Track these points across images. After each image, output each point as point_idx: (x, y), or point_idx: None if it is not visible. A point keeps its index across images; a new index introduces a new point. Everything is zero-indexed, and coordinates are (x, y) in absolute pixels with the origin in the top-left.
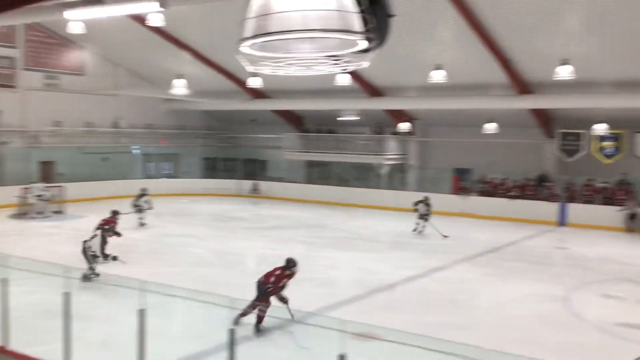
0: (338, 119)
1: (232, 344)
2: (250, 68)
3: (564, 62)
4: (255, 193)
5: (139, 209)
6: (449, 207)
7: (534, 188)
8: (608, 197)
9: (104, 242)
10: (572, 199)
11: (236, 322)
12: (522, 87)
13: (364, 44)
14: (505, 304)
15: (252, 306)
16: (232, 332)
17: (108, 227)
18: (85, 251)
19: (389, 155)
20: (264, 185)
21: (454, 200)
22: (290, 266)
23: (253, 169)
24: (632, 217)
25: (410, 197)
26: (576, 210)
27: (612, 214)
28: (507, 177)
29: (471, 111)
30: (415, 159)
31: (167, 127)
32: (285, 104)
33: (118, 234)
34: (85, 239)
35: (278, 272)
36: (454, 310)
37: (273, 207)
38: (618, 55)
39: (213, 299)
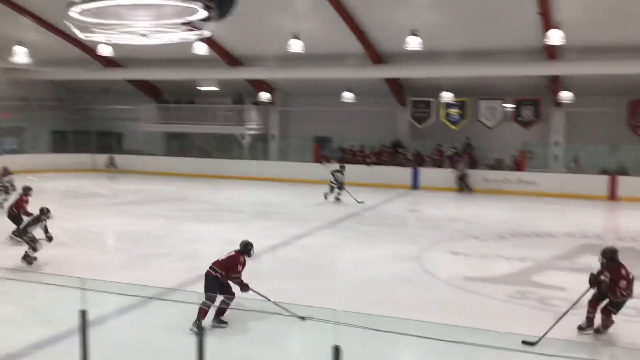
0: (197, 88)
1: (84, 326)
2: (81, 35)
3: (413, 33)
4: (111, 167)
5: (4, 189)
6: (311, 175)
7: (389, 154)
8: (455, 161)
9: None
10: (422, 163)
11: (198, 327)
12: (377, 57)
13: (203, 13)
14: (364, 267)
15: (211, 300)
16: (83, 314)
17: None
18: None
19: (251, 125)
20: (120, 159)
21: (316, 168)
22: (248, 250)
23: (108, 142)
24: (461, 178)
25: (272, 166)
26: (427, 174)
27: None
28: (364, 145)
29: (329, 80)
30: (276, 128)
31: (9, 98)
32: (140, 73)
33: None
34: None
35: (231, 255)
36: (316, 275)
37: (131, 182)
38: (462, 26)
39: (62, 280)
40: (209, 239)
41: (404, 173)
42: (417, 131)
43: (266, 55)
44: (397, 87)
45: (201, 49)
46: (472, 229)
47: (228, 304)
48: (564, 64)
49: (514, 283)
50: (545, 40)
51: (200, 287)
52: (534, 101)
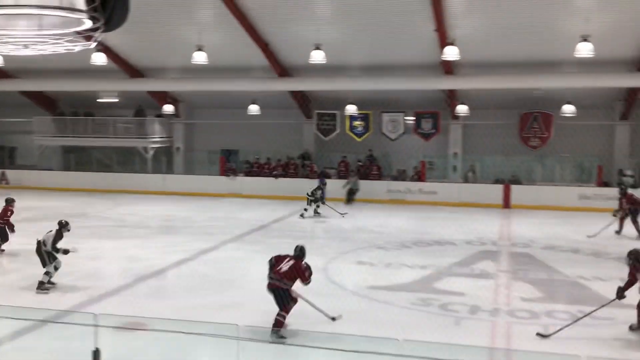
0: (97, 100)
1: None
2: None
3: (317, 47)
4: (2, 183)
5: None
6: (218, 188)
7: (296, 166)
8: (362, 172)
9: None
10: (329, 175)
11: (280, 336)
12: (281, 70)
13: (89, 23)
14: None
15: (287, 310)
16: None
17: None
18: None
19: (154, 138)
20: (12, 174)
21: (222, 182)
22: (304, 252)
23: None
24: (352, 192)
25: (177, 180)
26: (333, 185)
27: (363, 187)
28: (271, 157)
29: (235, 93)
30: (181, 141)
31: None
32: (34, 84)
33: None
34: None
35: (290, 262)
36: (223, 290)
37: (25, 198)
38: (364, 41)
39: None
40: (110, 257)
41: (310, 185)
42: (323, 143)
43: (169, 67)
44: (302, 99)
45: (100, 59)
46: (377, 239)
47: (284, 317)
48: (460, 79)
49: (416, 290)
50: (442, 56)
51: (101, 306)
52: (433, 114)
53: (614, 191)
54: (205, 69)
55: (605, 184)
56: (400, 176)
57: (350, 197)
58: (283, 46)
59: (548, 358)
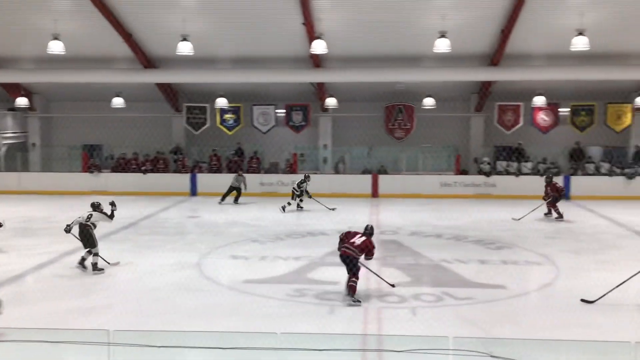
0: None
1: None
2: None
3: (184, 38)
4: None
5: None
6: (80, 186)
7: (166, 161)
8: (232, 166)
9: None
10: (199, 169)
11: (355, 300)
12: (147, 61)
13: None
14: (143, 278)
15: (357, 276)
16: None
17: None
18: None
19: (6, 133)
20: None
21: (86, 178)
22: (373, 231)
23: None
24: (237, 189)
25: (34, 178)
26: (205, 179)
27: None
28: (138, 152)
29: (96, 85)
30: (37, 136)
31: None
32: None
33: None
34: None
35: (362, 238)
36: (89, 293)
37: None
38: (233, 33)
39: None
40: None
41: (182, 179)
42: (194, 137)
43: (22, 57)
44: (170, 92)
45: None
46: (251, 233)
47: (356, 282)
48: (328, 72)
49: (291, 282)
50: (310, 49)
51: None
52: (303, 107)
53: (472, 178)
54: (63, 59)
55: (464, 172)
56: (273, 169)
57: (235, 195)
58: (148, 37)
59: (417, 340)
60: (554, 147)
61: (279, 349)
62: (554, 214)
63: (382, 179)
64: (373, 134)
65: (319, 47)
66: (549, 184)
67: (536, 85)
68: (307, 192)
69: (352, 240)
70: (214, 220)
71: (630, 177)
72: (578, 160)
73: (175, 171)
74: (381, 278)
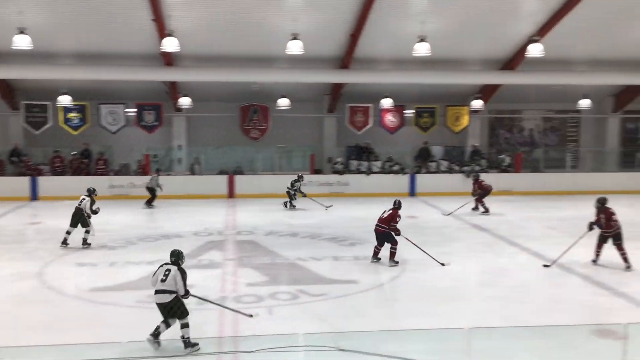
0: None
1: None
2: None
3: (21, 31)
4: None
5: None
6: None
7: (2, 163)
8: (76, 168)
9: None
10: (39, 172)
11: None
12: None
13: None
14: None
15: (396, 244)
16: None
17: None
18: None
19: None
20: None
21: None
22: (400, 204)
23: None
24: (152, 191)
25: None
26: (47, 182)
27: (74, 183)
28: None
29: None
30: None
31: None
32: None
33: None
34: None
35: (391, 211)
36: None
37: None
38: (77, 27)
39: None
40: None
41: (20, 183)
42: (34, 137)
43: None
44: (6, 89)
45: None
46: (99, 238)
47: (395, 249)
48: (180, 71)
49: (143, 288)
50: (161, 47)
51: None
52: (155, 106)
53: (326, 177)
54: None
55: (318, 171)
56: (123, 170)
57: (152, 196)
58: None
59: (271, 339)
60: (401, 147)
61: (126, 359)
62: (481, 209)
63: (239, 179)
64: (229, 134)
65: (170, 44)
66: (476, 181)
67: (384, 88)
68: (301, 191)
69: (381, 216)
70: (57, 226)
71: (468, 174)
72: (425, 159)
73: (14, 174)
74: (428, 254)
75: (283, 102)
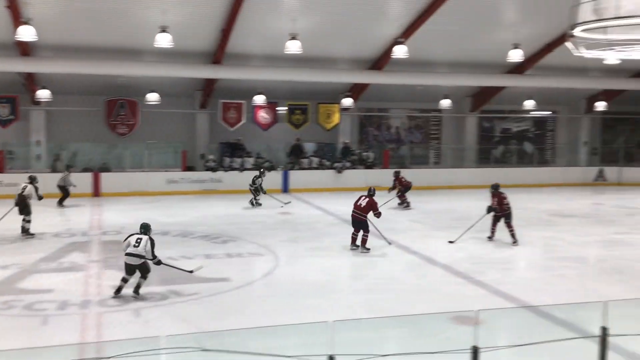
0: None
1: None
2: None
3: None
4: None
5: None
6: None
7: None
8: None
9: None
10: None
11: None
12: None
13: None
14: None
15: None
16: None
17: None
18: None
19: None
20: None
21: None
22: (374, 192)
23: None
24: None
25: None
26: None
27: None
28: None
29: None
30: None
31: None
32: None
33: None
34: None
35: (368, 200)
36: None
37: None
38: None
39: None
40: None
41: None
42: None
43: None
44: None
45: None
46: None
47: (367, 236)
48: (38, 61)
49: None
50: (16, 35)
51: None
52: (10, 99)
53: (199, 174)
54: None
55: (190, 168)
56: None
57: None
58: None
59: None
60: (274, 143)
61: None
62: (404, 204)
63: (105, 177)
64: (94, 130)
65: (26, 33)
66: (397, 178)
67: (256, 85)
68: (261, 187)
69: (358, 204)
70: None
71: (339, 170)
72: (298, 155)
73: None
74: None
75: (152, 97)
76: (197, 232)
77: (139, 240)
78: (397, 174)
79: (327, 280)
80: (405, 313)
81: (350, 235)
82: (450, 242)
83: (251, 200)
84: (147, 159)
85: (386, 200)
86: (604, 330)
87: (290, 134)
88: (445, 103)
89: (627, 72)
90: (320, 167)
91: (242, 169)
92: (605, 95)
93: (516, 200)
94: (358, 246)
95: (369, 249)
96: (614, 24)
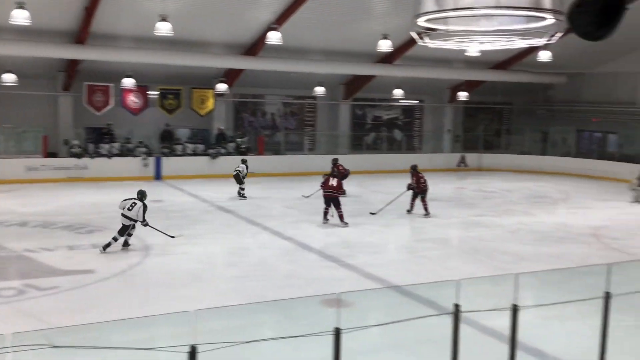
0: None
1: None
2: None
3: None
4: None
5: None
6: None
7: None
8: None
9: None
10: None
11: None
12: None
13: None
14: None
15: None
16: None
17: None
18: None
19: None
20: None
21: None
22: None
23: None
24: None
25: None
26: None
27: None
28: None
29: None
30: None
31: None
32: None
33: None
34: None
35: (335, 182)
36: None
37: None
38: None
39: None
40: None
41: None
42: None
43: None
44: None
45: None
46: None
47: (342, 210)
48: None
49: None
50: None
51: None
52: None
53: (62, 161)
54: None
55: (53, 155)
56: None
57: None
58: None
59: None
60: (146, 129)
61: None
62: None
63: None
64: None
65: None
66: (335, 165)
67: (125, 67)
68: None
69: (330, 184)
70: None
71: (214, 157)
72: (168, 141)
73: None
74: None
75: (9, 78)
76: (60, 222)
77: (133, 205)
78: (335, 161)
79: (200, 268)
80: (277, 298)
81: (224, 224)
82: (372, 213)
83: (242, 188)
84: (3, 145)
85: (316, 190)
86: (457, 307)
87: (163, 119)
88: (320, 90)
89: (487, 64)
90: (195, 154)
91: (110, 155)
92: (467, 85)
93: (387, 186)
94: (328, 220)
95: (347, 223)
96: (452, 15)
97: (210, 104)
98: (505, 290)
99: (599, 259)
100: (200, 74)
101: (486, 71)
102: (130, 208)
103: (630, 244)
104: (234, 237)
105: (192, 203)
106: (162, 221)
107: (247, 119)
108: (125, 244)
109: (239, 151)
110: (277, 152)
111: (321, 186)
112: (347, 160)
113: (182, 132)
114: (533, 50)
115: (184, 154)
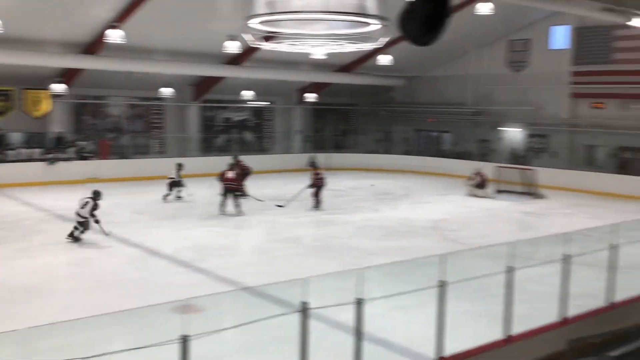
0: None
1: None
2: None
3: None
4: None
5: None
6: None
7: None
8: None
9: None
10: None
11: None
12: None
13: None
14: None
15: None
16: None
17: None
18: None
19: None
20: None
21: None
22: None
23: None
24: None
25: None
26: None
27: None
28: None
29: None
30: None
31: None
32: None
33: None
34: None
35: (232, 174)
36: None
37: None
38: None
39: None
40: None
41: None
42: None
43: None
44: None
45: None
46: None
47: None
48: None
49: None
50: None
51: None
52: None
53: None
54: None
55: None
56: None
57: None
58: None
59: None
60: None
61: None
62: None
63: None
64: None
65: None
66: (237, 164)
67: None
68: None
69: (227, 177)
70: None
71: (52, 162)
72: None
73: None
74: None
75: None
76: None
77: (85, 204)
78: (237, 159)
79: (38, 282)
80: (126, 308)
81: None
82: (279, 205)
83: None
84: None
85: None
86: (304, 304)
87: None
88: (167, 91)
89: (332, 66)
90: (31, 159)
91: None
92: (314, 87)
93: None
94: (224, 212)
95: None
96: (283, 18)
97: (45, 105)
98: (353, 285)
99: (439, 250)
100: (34, 73)
101: (332, 74)
102: (83, 206)
103: (466, 235)
104: (76, 247)
105: (26, 212)
106: None
107: (89, 121)
108: (71, 235)
109: (80, 156)
110: (123, 156)
111: (219, 179)
112: (197, 163)
113: (16, 136)
114: (374, 53)
115: (19, 160)
